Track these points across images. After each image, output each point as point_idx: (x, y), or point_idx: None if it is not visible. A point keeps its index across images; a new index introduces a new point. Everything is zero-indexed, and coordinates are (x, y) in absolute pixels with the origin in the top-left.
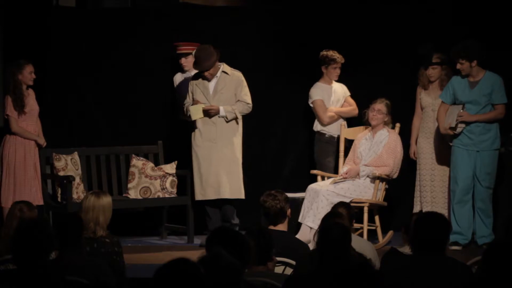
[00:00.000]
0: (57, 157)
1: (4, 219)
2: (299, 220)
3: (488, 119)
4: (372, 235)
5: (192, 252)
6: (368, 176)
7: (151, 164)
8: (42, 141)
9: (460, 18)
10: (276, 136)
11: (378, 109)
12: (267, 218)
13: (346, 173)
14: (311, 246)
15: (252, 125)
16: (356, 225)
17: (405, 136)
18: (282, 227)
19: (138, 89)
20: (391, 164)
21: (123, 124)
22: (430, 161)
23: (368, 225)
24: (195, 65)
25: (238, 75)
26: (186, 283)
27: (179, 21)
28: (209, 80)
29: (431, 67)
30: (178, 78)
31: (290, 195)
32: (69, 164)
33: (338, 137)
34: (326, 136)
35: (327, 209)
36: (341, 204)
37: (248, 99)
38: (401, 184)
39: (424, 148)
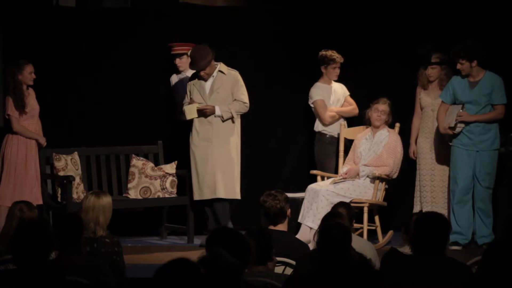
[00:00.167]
0: (57, 157)
1: (4, 219)
2: (299, 220)
3: (487, 119)
4: (372, 235)
5: (192, 252)
6: (368, 176)
7: (151, 164)
8: (43, 141)
9: (460, 18)
10: (276, 136)
11: (382, 110)
12: (267, 218)
13: (346, 173)
14: (311, 246)
15: (252, 125)
16: (356, 225)
17: (405, 136)
18: (282, 227)
19: (138, 89)
20: (391, 164)
21: (123, 124)
22: (430, 161)
23: (368, 225)
24: (191, 65)
25: (234, 74)
26: (186, 283)
27: (179, 21)
28: (205, 79)
29: (430, 67)
30: (173, 79)
31: (290, 195)
32: (69, 164)
33: (339, 137)
34: (327, 136)
35: (327, 209)
36: (341, 204)
37: (245, 98)
38: (401, 184)
39: (424, 148)
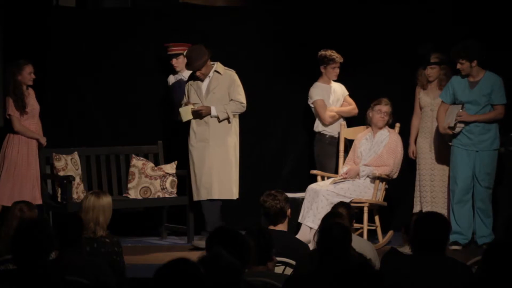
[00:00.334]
0: (57, 157)
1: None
2: (299, 220)
3: (487, 119)
4: (372, 235)
5: (192, 252)
6: (368, 176)
7: (151, 164)
8: (44, 141)
9: (460, 18)
10: (276, 136)
11: (385, 111)
12: (267, 218)
13: (346, 173)
14: (311, 246)
15: (252, 125)
16: (356, 225)
17: (405, 136)
18: (282, 227)
19: (138, 89)
20: (391, 164)
21: (123, 124)
22: (429, 161)
23: (368, 225)
24: (187, 65)
25: (231, 74)
26: (186, 283)
27: (179, 21)
28: (202, 80)
29: (429, 67)
30: (170, 79)
31: (290, 195)
32: (69, 164)
33: (339, 137)
34: (327, 136)
35: (327, 209)
36: (341, 204)
37: (241, 98)
38: (401, 184)
39: (423, 148)
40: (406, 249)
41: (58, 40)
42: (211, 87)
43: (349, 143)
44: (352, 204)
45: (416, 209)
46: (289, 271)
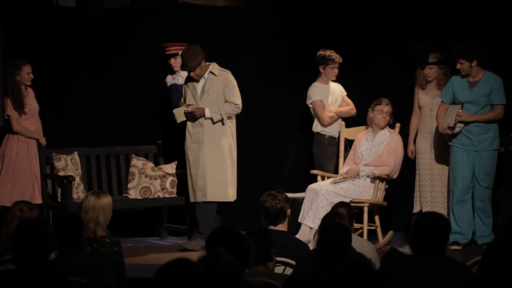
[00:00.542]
0: (57, 157)
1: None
2: (299, 220)
3: (486, 120)
4: (372, 235)
5: (192, 252)
6: (368, 176)
7: (151, 164)
8: (43, 140)
9: (460, 18)
10: (276, 136)
11: (387, 111)
12: (267, 218)
13: (346, 173)
14: (311, 246)
15: (253, 126)
16: (356, 225)
17: (405, 136)
18: (282, 227)
19: (138, 89)
20: (392, 164)
21: (123, 124)
22: (429, 160)
23: (368, 225)
24: (182, 66)
25: (226, 75)
26: (186, 283)
27: (179, 21)
28: (197, 81)
29: (428, 66)
30: (168, 79)
31: (290, 195)
32: (69, 164)
33: (338, 138)
34: (326, 137)
35: (327, 209)
36: (341, 204)
37: (236, 99)
38: (401, 184)
39: (423, 148)
40: (406, 249)
41: (58, 40)
42: (205, 88)
43: (348, 143)
44: (352, 204)
45: (416, 209)
46: (289, 271)
